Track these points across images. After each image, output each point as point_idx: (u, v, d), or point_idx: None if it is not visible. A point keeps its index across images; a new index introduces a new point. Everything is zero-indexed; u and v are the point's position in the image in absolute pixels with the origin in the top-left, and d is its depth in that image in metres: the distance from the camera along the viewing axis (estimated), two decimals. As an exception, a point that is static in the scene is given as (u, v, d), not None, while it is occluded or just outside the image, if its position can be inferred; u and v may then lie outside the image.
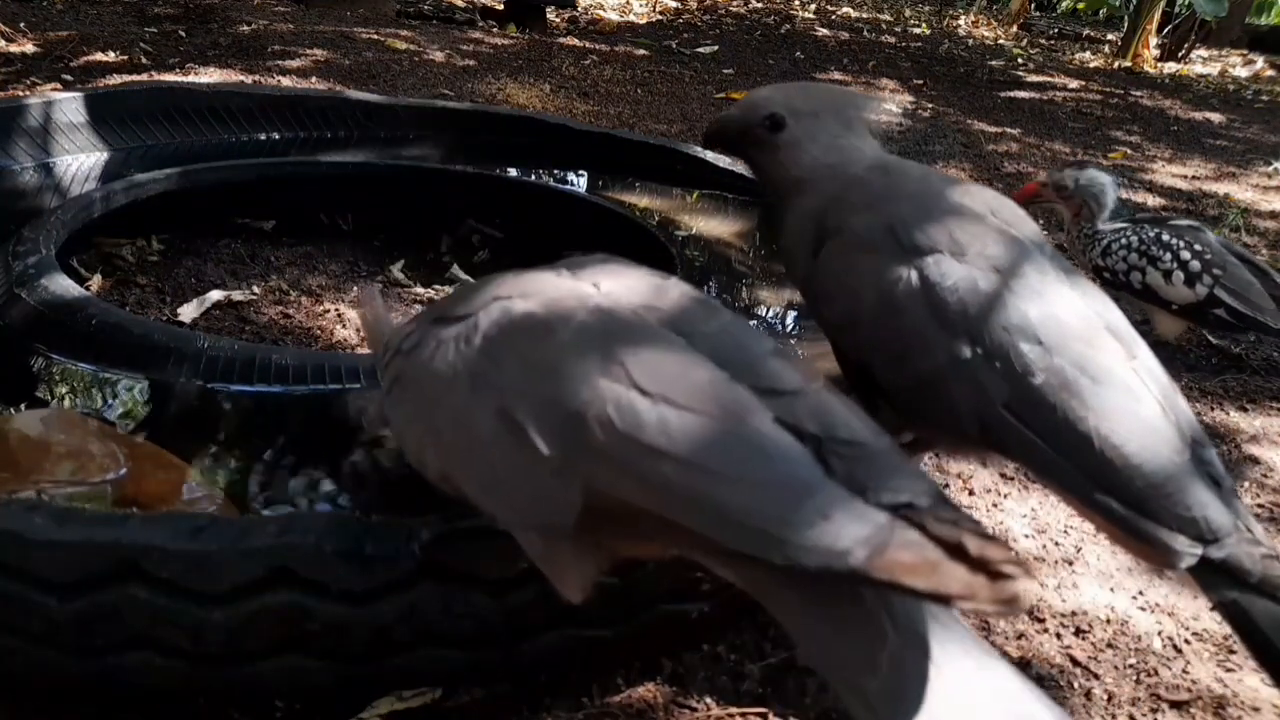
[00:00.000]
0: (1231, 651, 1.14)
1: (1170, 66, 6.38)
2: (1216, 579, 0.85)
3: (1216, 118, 4.78)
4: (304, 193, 2.08)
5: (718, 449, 0.66)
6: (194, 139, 2.18)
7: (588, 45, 4.63)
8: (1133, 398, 0.88)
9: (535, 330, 0.76)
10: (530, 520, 0.76)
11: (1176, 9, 6.60)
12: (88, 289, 1.58)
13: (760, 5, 6.69)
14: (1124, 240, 1.83)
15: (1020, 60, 5.96)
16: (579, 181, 2.38)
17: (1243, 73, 6.70)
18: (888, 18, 7.27)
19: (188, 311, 1.67)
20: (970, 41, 6.57)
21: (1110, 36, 7.83)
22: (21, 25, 3.57)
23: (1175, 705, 1.06)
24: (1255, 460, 1.61)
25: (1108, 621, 1.18)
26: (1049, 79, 5.32)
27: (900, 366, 0.97)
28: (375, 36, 4.14)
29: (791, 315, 1.82)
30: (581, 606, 0.89)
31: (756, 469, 0.65)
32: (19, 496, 1.01)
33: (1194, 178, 3.53)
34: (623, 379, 0.70)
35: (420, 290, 1.89)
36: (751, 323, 0.79)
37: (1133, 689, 1.08)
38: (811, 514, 0.62)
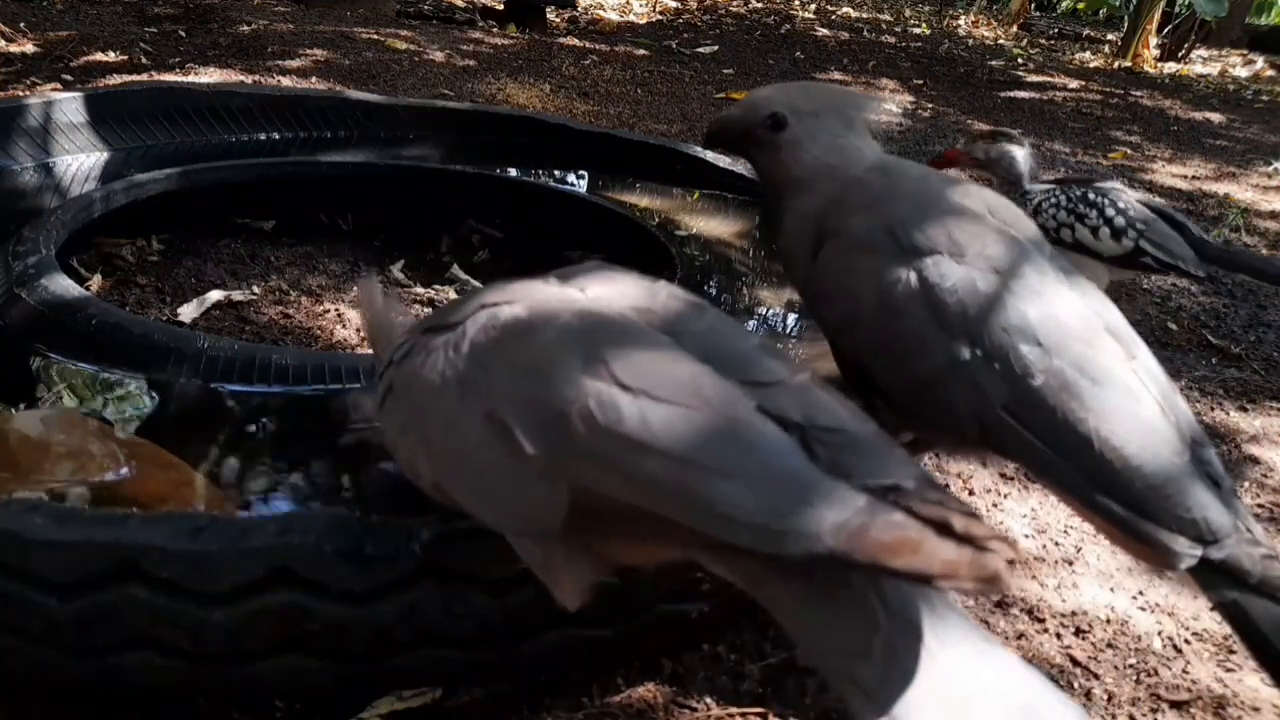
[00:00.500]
0: (1231, 651, 1.14)
1: (1170, 66, 6.38)
2: (1216, 579, 0.85)
3: (1216, 118, 4.78)
4: (304, 193, 2.08)
5: (700, 440, 0.66)
6: (194, 139, 2.18)
7: (588, 45, 4.63)
8: (1132, 399, 0.88)
9: (520, 332, 0.77)
10: (521, 525, 0.77)
11: (1176, 9, 6.60)
12: (88, 289, 1.58)
13: (760, 5, 6.69)
14: (1053, 199, 1.94)
15: (1020, 60, 5.96)
16: (579, 181, 2.38)
17: (1243, 73, 6.70)
18: (888, 18, 7.27)
19: (188, 311, 1.67)
20: (970, 41, 6.57)
21: (1110, 36, 7.83)
22: (21, 25, 3.57)
23: (1175, 705, 1.06)
24: (1255, 460, 1.61)
25: (1108, 621, 1.18)
26: (1049, 79, 5.32)
27: (899, 368, 0.97)
28: (375, 36, 4.14)
29: (791, 315, 1.82)
30: (581, 606, 0.89)
31: (739, 459, 0.65)
32: (19, 496, 1.01)
33: (1194, 178, 3.53)
34: (604, 375, 0.70)
35: (420, 290, 1.89)
36: (743, 321, 0.79)
37: (1133, 689, 1.08)
38: (794, 500, 0.62)
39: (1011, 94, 4.75)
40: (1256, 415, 1.76)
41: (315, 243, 2.04)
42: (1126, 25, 6.48)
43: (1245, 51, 7.79)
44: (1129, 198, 1.93)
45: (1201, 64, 6.92)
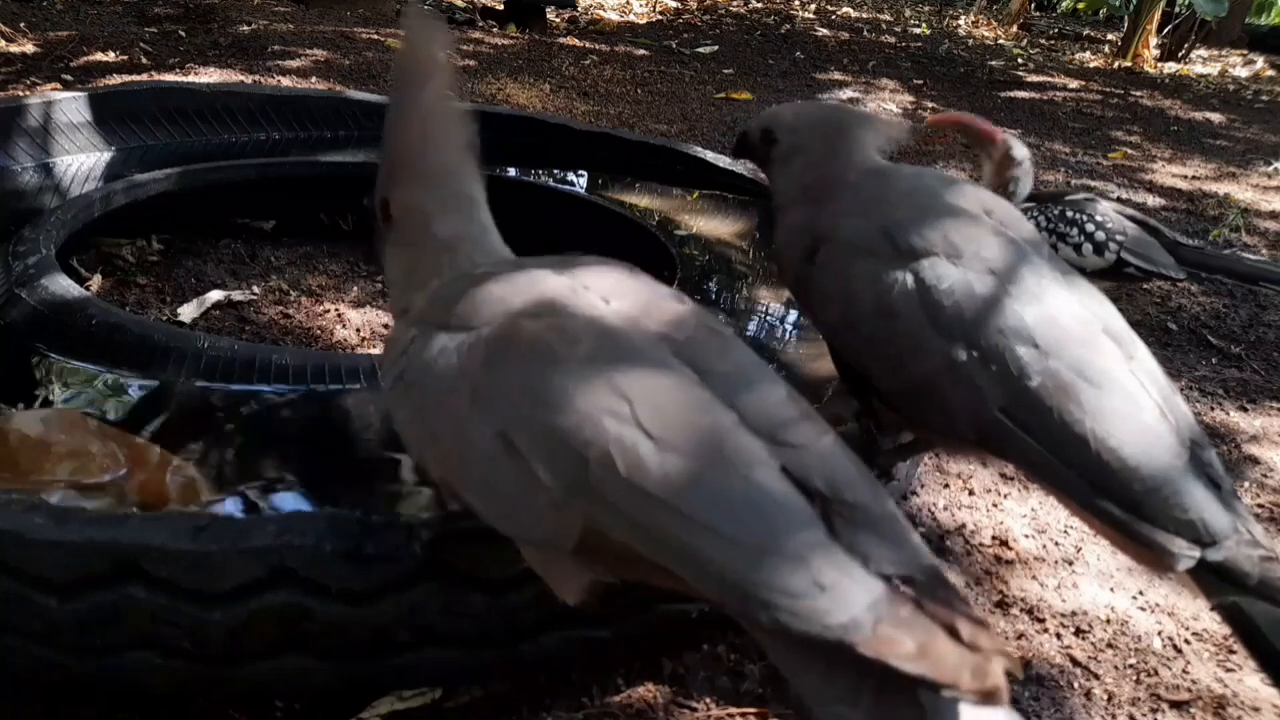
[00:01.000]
0: (1231, 651, 1.14)
1: (1170, 66, 6.38)
2: (1216, 581, 0.84)
3: (1216, 118, 4.78)
4: (304, 193, 2.08)
5: (722, 506, 0.65)
6: (194, 139, 2.18)
7: (588, 45, 4.63)
8: (1130, 400, 0.88)
9: (541, 353, 0.73)
10: (527, 537, 0.76)
11: (1176, 9, 6.60)
12: (88, 289, 1.58)
13: (760, 5, 6.69)
14: (1033, 219, 1.95)
15: (1020, 60, 5.96)
16: (579, 181, 2.38)
17: (1243, 73, 6.70)
18: (888, 18, 7.27)
19: (188, 311, 1.67)
20: (970, 41, 6.57)
21: (1110, 36, 7.82)
22: (21, 25, 3.57)
23: (1175, 705, 1.06)
24: (1255, 460, 1.61)
25: (1108, 621, 1.18)
26: (1049, 79, 5.32)
27: (896, 370, 0.97)
28: (375, 36, 4.14)
29: (791, 315, 1.82)
30: (581, 607, 0.89)
31: (760, 531, 0.64)
32: (18, 496, 1.01)
33: (1194, 178, 3.53)
34: (629, 419, 0.68)
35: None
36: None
37: (1133, 689, 1.08)
38: (809, 583, 0.61)
39: (1011, 94, 4.75)
40: (1256, 415, 1.76)
41: (315, 243, 2.04)
42: (1126, 25, 6.47)
43: (1245, 51, 7.79)
44: (1105, 208, 1.95)
45: (1201, 64, 6.92)
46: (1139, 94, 5.16)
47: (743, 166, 2.28)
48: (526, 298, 0.78)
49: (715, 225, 2.16)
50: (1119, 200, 2.99)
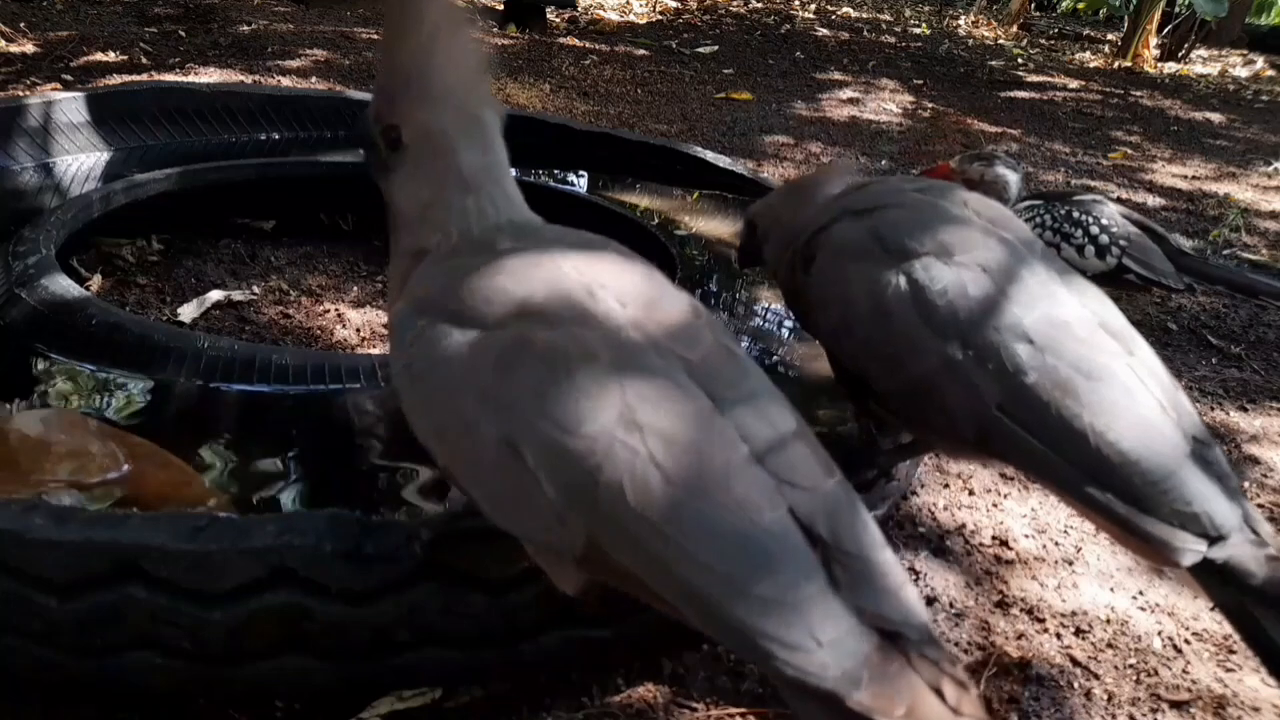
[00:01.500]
0: (1231, 651, 1.14)
1: (1170, 66, 6.38)
2: (1219, 581, 0.84)
3: (1216, 118, 4.78)
4: (304, 193, 2.08)
5: (727, 548, 0.65)
6: (194, 139, 2.18)
7: (588, 45, 4.63)
8: (1129, 394, 0.88)
9: (555, 364, 0.72)
10: (528, 539, 0.76)
11: (1176, 9, 6.60)
12: (88, 289, 1.58)
13: (760, 5, 6.69)
14: (1038, 219, 1.95)
15: (1020, 60, 5.96)
16: (579, 181, 2.38)
17: (1243, 73, 6.70)
18: (888, 18, 7.27)
19: (188, 311, 1.67)
20: (970, 41, 6.57)
21: (1110, 36, 7.82)
22: (21, 25, 3.57)
23: (1175, 705, 1.06)
24: (1255, 460, 1.61)
25: (1108, 621, 1.18)
26: (1049, 79, 5.32)
27: (894, 371, 0.97)
28: (375, 36, 4.14)
29: (791, 315, 1.82)
30: (581, 607, 0.89)
31: (761, 576, 0.64)
32: (18, 496, 1.01)
33: (1194, 178, 3.53)
34: (640, 448, 0.67)
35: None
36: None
37: (1133, 689, 1.08)
38: (805, 634, 0.62)
39: (1011, 94, 4.75)
40: (1256, 415, 1.76)
41: (315, 243, 2.04)
42: (1126, 25, 6.47)
43: (1245, 51, 7.79)
44: (1111, 211, 1.94)
45: (1201, 64, 6.91)
46: (1139, 94, 5.16)
47: (742, 166, 2.28)
48: (542, 298, 0.76)
49: (715, 225, 2.16)
50: (1119, 200, 3.00)
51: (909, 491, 1.39)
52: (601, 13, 5.73)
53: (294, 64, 3.54)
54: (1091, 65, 6.15)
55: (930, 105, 4.26)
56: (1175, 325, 2.14)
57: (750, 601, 0.63)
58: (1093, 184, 3.25)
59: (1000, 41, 6.80)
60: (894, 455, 1.15)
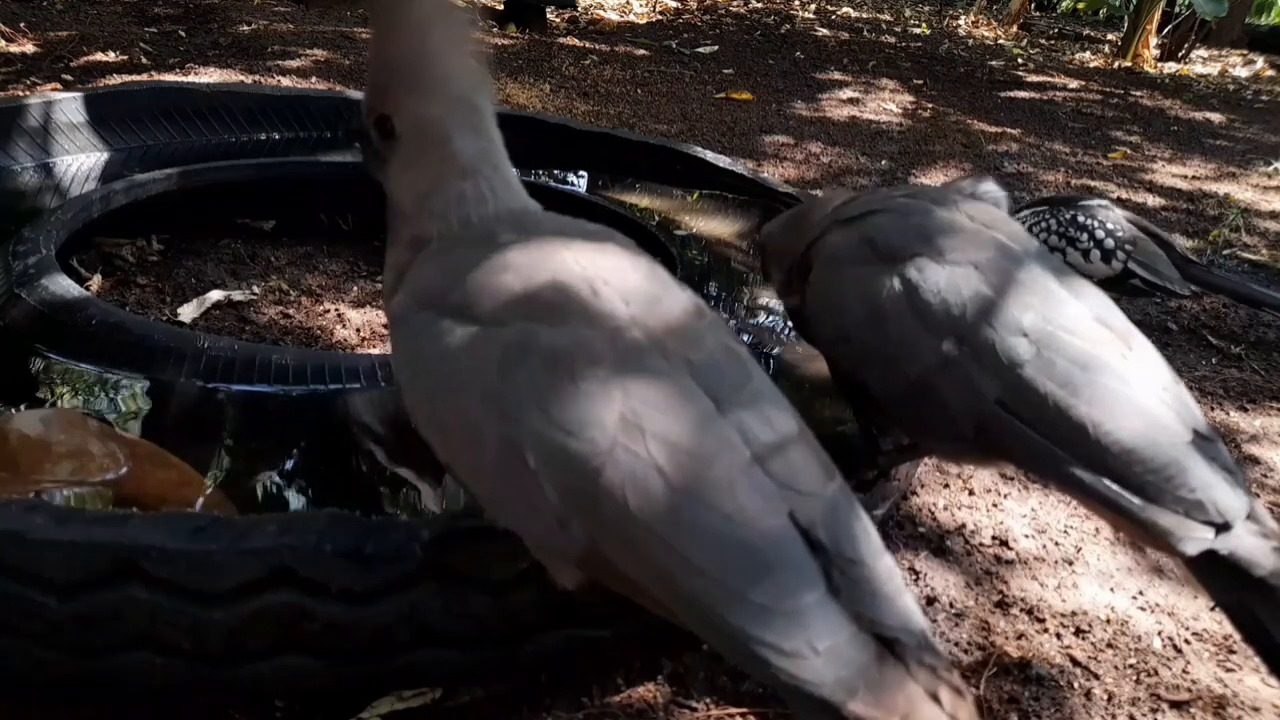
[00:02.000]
0: (1231, 651, 1.14)
1: (1170, 66, 6.38)
2: (1222, 573, 0.82)
3: (1216, 118, 4.78)
4: (304, 193, 2.08)
5: (728, 555, 0.65)
6: (194, 139, 2.18)
7: (588, 45, 4.63)
8: (1127, 385, 0.88)
9: (559, 368, 0.71)
10: (526, 536, 0.76)
11: (1176, 9, 6.60)
12: (88, 289, 1.58)
13: (760, 5, 6.69)
14: (1043, 224, 1.95)
15: (1020, 60, 5.96)
16: (579, 181, 2.38)
17: (1243, 73, 6.70)
18: (888, 18, 7.27)
19: (188, 311, 1.67)
20: (970, 41, 6.57)
21: (1110, 36, 7.82)
22: (21, 25, 3.57)
23: (1175, 705, 1.06)
24: (1255, 460, 1.61)
25: (1108, 621, 1.18)
26: (1049, 79, 5.32)
27: (892, 374, 0.97)
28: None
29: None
30: (581, 607, 0.89)
31: (763, 587, 0.64)
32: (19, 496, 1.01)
33: (1194, 178, 3.53)
34: (642, 452, 0.67)
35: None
36: (782, 396, 0.76)
37: (1133, 689, 1.08)
38: (804, 645, 0.62)
39: (1011, 94, 4.75)
40: (1256, 415, 1.76)
41: (315, 243, 2.04)
42: (1126, 25, 6.47)
43: (1245, 51, 7.79)
44: (1116, 216, 1.94)
45: (1201, 64, 6.92)
46: (1139, 94, 5.16)
47: (742, 166, 2.28)
48: (545, 294, 0.76)
49: (715, 225, 2.16)
50: (1119, 201, 3.00)
51: (909, 491, 1.39)
52: (601, 13, 5.73)
53: (294, 64, 3.54)
54: (1091, 65, 6.15)
55: (930, 105, 4.26)
56: (1175, 325, 2.14)
57: (748, 608, 0.63)
58: (1093, 184, 3.25)
59: (1000, 41, 6.80)
60: (894, 456, 1.15)
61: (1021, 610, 1.18)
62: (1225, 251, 2.68)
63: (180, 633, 0.84)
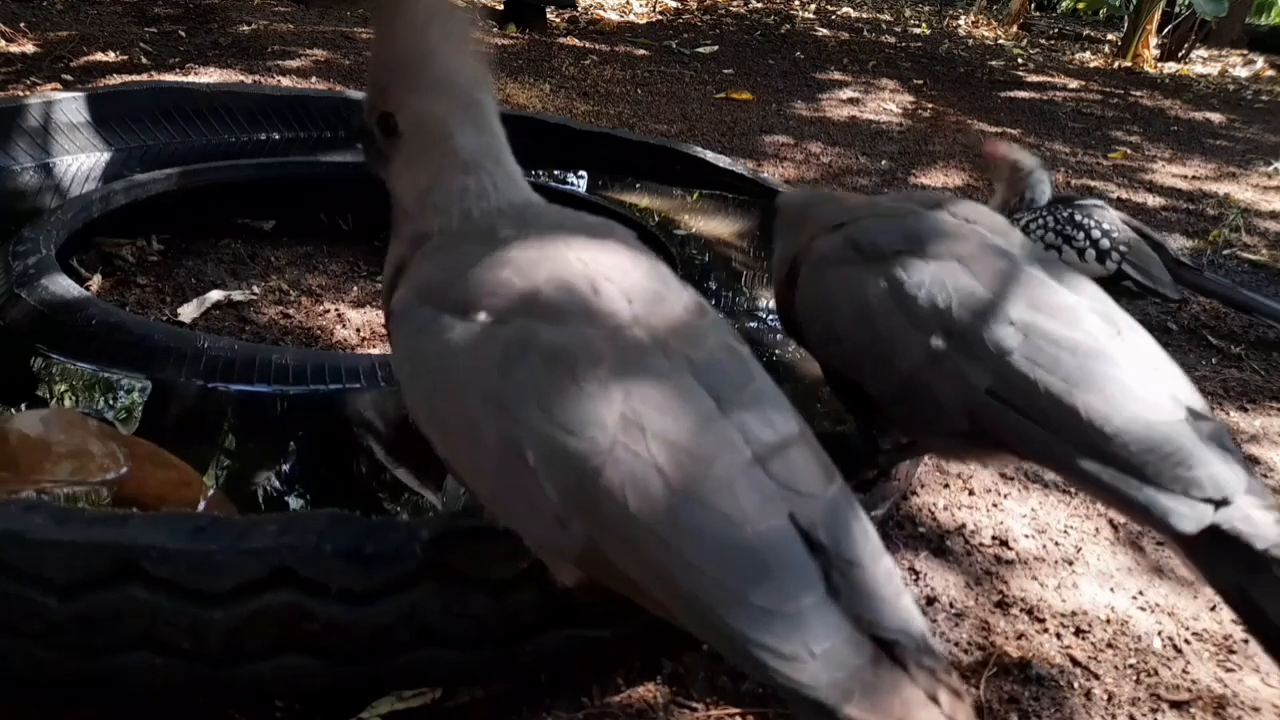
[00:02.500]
0: (1231, 651, 1.14)
1: (1170, 66, 6.38)
2: (1222, 552, 0.80)
3: (1216, 118, 4.78)
4: (304, 193, 2.08)
5: (728, 556, 0.65)
6: (194, 139, 2.18)
7: (588, 45, 4.63)
8: (1118, 367, 0.88)
9: (560, 366, 0.71)
10: (525, 535, 0.76)
11: (1176, 9, 6.60)
12: (88, 289, 1.58)
13: (760, 5, 6.69)
14: (1041, 220, 1.96)
15: (1020, 60, 5.96)
16: (579, 181, 2.38)
17: (1243, 73, 6.70)
18: (888, 18, 7.27)
19: (188, 311, 1.67)
20: (970, 41, 6.57)
21: (1110, 36, 7.82)
22: (21, 25, 3.57)
23: (1175, 705, 1.06)
24: (1255, 460, 1.61)
25: (1108, 621, 1.18)
26: (1049, 79, 5.32)
27: (884, 372, 0.98)
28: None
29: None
30: (581, 607, 0.89)
31: (762, 589, 0.64)
32: (19, 496, 1.01)
33: (1194, 178, 3.53)
34: (643, 451, 0.67)
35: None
36: (783, 396, 0.75)
37: (1133, 689, 1.08)
38: (801, 648, 0.62)
39: (1011, 94, 4.75)
40: (1256, 415, 1.76)
41: (315, 243, 2.04)
42: (1126, 25, 6.47)
43: (1245, 51, 7.79)
44: (1112, 217, 1.95)
45: (1201, 64, 6.92)
46: (1139, 94, 5.16)
47: (742, 166, 2.28)
48: (546, 291, 0.75)
49: (715, 225, 2.16)
50: (1119, 201, 3.00)
51: (909, 491, 1.39)
52: (601, 13, 5.73)
53: (294, 64, 3.54)
54: (1091, 65, 6.15)
55: (930, 105, 4.26)
56: (1175, 325, 2.14)
57: (747, 610, 0.63)
58: (1093, 184, 3.25)
59: (1000, 41, 6.80)
60: (894, 455, 1.15)
61: (1021, 610, 1.18)
62: (1225, 252, 2.68)
63: (180, 633, 0.84)
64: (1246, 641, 1.15)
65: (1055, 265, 0.99)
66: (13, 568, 0.83)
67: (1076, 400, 0.86)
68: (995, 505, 1.40)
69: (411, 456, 1.21)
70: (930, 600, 1.18)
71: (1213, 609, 1.21)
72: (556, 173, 2.38)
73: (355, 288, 1.87)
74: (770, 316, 1.80)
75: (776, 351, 1.64)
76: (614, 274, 0.78)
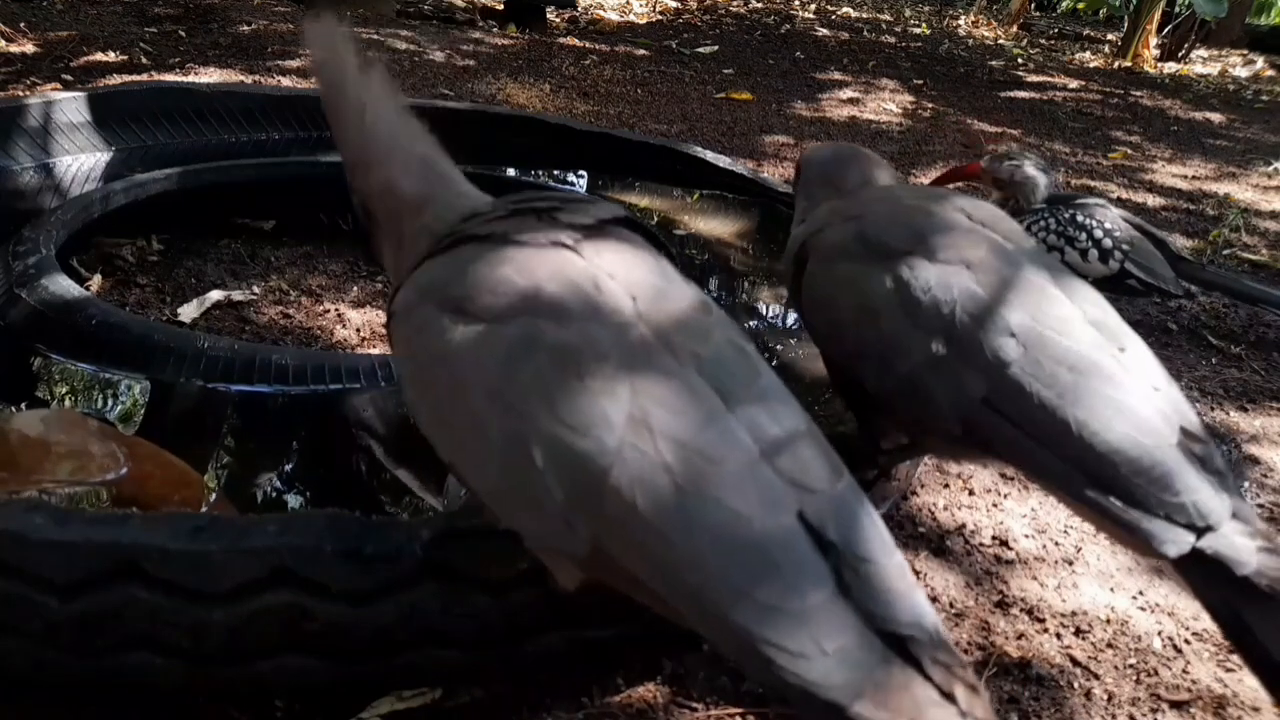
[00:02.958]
0: (1231, 651, 1.14)
1: (1170, 66, 6.38)
2: (1207, 575, 0.82)
3: (1216, 118, 4.78)
4: (304, 193, 2.08)
5: (736, 553, 0.65)
6: (194, 139, 2.18)
7: (588, 45, 4.63)
8: (1115, 386, 0.87)
9: (565, 364, 0.71)
10: (534, 541, 0.76)
11: (1176, 9, 6.60)
12: (88, 289, 1.58)
13: (760, 5, 6.69)
14: (1041, 222, 1.96)
15: (1020, 60, 5.96)
16: (579, 181, 2.38)
17: (1243, 73, 6.70)
18: (888, 18, 7.27)
19: (188, 311, 1.67)
20: (970, 41, 6.57)
21: (1110, 36, 7.83)
22: (21, 25, 3.57)
23: (1175, 705, 1.06)
24: (1255, 460, 1.61)
25: (1108, 621, 1.18)
26: (1049, 79, 5.32)
27: (883, 370, 0.98)
28: (375, 36, 4.14)
29: (790, 315, 1.82)
30: (581, 606, 0.89)
31: (770, 586, 0.64)
32: (20, 496, 1.01)
33: (1194, 178, 3.53)
34: (650, 450, 0.67)
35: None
36: (790, 394, 0.75)
37: (1133, 689, 1.08)
38: (810, 645, 0.61)
39: (1011, 94, 4.75)
40: (1256, 415, 1.76)
41: (315, 243, 2.04)
42: (1126, 25, 6.47)
43: (1245, 51, 7.79)
44: (1114, 215, 1.95)
45: (1201, 64, 6.92)
46: (1139, 94, 5.16)
47: (742, 166, 2.28)
48: (549, 289, 0.75)
49: (715, 225, 2.16)
50: (1119, 201, 3.00)
51: (909, 491, 1.39)
52: (601, 13, 5.73)
53: (294, 64, 3.54)
54: (1091, 65, 6.15)
55: (930, 105, 4.26)
56: (1175, 325, 2.14)
57: (754, 607, 0.63)
58: (1093, 184, 3.25)
59: (1000, 41, 6.80)
60: (894, 455, 1.15)
61: (1021, 610, 1.18)
62: (1225, 251, 2.68)
63: (180, 633, 0.84)
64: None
65: (1062, 274, 0.99)
66: (13, 568, 0.83)
67: (1069, 416, 0.86)
68: (995, 505, 1.40)
69: (412, 456, 1.21)
70: (930, 600, 1.18)
71: (1205, 607, 1.21)
72: (556, 173, 2.38)
73: (355, 288, 1.87)
74: (770, 317, 1.80)
75: (778, 349, 1.64)
76: (617, 270, 0.77)
